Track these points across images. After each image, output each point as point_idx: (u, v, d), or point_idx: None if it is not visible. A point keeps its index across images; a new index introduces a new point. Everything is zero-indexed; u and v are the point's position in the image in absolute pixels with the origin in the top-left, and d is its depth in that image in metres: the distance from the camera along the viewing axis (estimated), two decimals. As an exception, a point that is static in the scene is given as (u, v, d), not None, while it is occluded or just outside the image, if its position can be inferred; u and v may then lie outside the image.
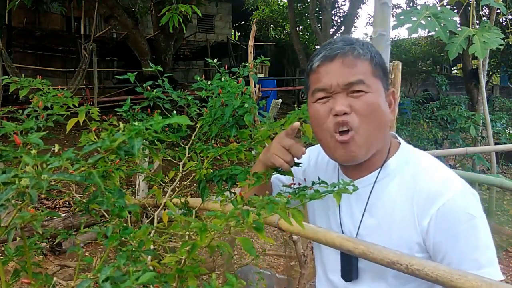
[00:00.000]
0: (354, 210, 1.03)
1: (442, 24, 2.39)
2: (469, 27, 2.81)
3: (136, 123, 0.65)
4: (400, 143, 1.06)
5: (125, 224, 0.81)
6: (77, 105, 1.29)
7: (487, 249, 0.91)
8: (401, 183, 0.99)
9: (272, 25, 19.27)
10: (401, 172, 1.00)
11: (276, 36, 19.48)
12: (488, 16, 5.60)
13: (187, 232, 0.94)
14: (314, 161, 1.20)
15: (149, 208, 1.48)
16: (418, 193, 0.95)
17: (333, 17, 16.04)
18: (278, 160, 1.00)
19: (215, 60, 1.51)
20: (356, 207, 1.03)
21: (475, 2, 3.14)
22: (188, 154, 1.35)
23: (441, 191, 0.93)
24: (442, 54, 14.36)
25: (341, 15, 17.04)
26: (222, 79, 1.42)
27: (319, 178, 0.86)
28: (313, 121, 1.02)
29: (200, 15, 3.77)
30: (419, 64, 16.23)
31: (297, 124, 1.02)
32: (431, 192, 0.93)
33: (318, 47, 1.01)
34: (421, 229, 0.93)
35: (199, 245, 0.75)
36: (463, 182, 0.95)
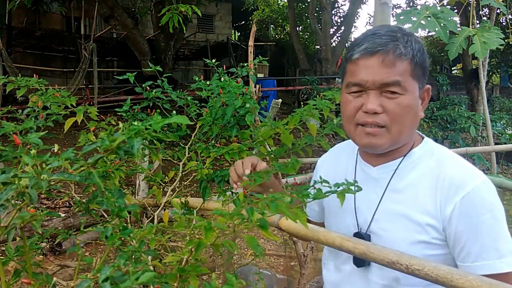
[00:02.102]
0: (371, 195, 1.04)
1: (442, 24, 2.38)
2: (469, 27, 2.81)
3: (135, 123, 0.65)
4: (423, 137, 1.08)
5: (125, 224, 0.81)
6: (75, 104, 1.29)
7: (507, 239, 0.91)
8: (424, 170, 0.99)
9: (272, 25, 19.28)
10: (425, 160, 1.01)
11: (276, 36, 19.49)
12: (488, 16, 5.60)
13: (189, 232, 0.94)
14: (329, 157, 1.23)
15: (149, 208, 1.48)
16: (442, 180, 0.95)
17: (333, 17, 16.06)
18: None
19: (214, 60, 1.51)
20: (373, 192, 1.03)
21: (475, 2, 3.14)
22: (188, 154, 1.35)
23: (465, 179, 0.93)
24: (442, 54, 14.37)
25: (341, 15, 17.08)
26: (222, 79, 1.42)
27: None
28: (343, 110, 1.04)
29: (200, 15, 3.77)
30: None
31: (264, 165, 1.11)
32: (456, 180, 0.94)
33: (356, 37, 1.00)
34: (443, 217, 0.94)
35: (204, 244, 0.75)
36: (484, 174, 0.96)
